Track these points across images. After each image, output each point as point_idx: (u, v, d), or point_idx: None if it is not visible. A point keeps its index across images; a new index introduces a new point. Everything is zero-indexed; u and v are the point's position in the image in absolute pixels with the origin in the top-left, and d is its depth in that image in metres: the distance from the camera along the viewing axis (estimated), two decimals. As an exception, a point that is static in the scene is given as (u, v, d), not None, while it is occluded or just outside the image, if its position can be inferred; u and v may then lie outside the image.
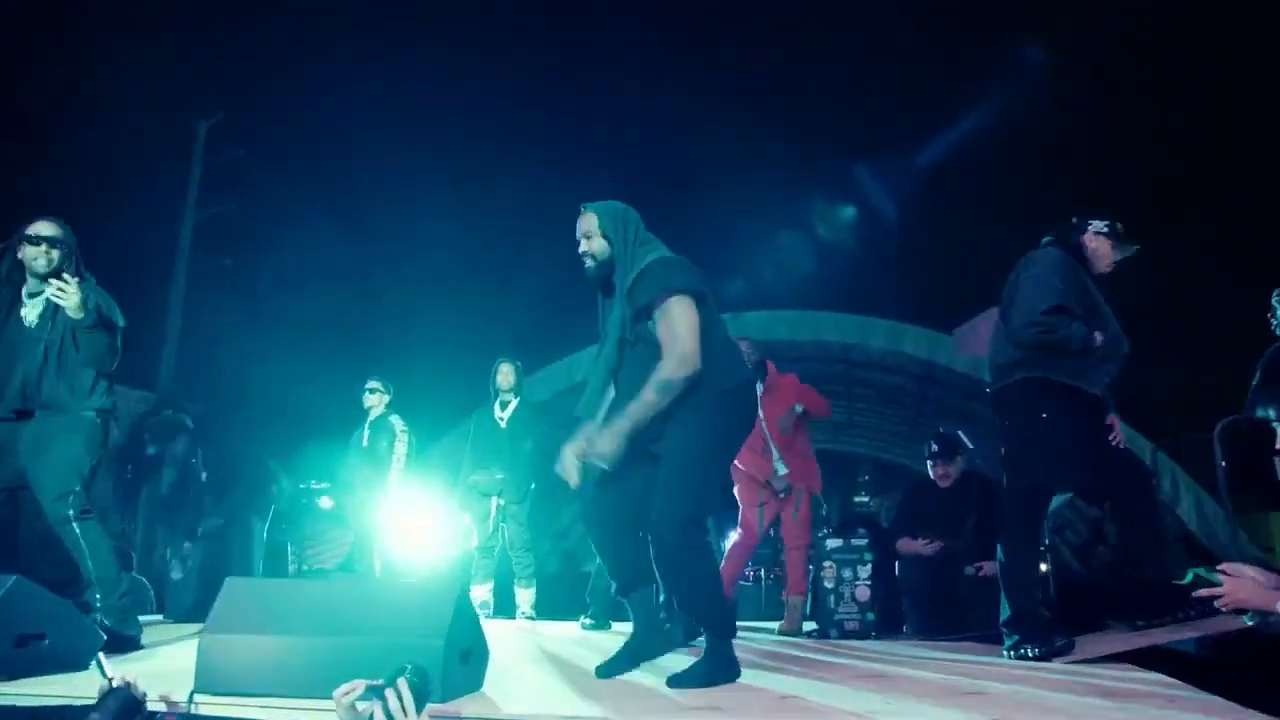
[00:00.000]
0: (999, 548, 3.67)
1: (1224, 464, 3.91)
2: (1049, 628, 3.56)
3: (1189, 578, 3.60)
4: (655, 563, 2.96)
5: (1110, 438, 3.65)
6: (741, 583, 12.00)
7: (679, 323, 2.86)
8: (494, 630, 5.62)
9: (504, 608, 6.40)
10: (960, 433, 5.30)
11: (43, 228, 3.71)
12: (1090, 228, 3.80)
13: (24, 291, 3.74)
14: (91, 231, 3.89)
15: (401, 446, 6.36)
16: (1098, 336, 3.53)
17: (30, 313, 3.71)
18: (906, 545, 5.01)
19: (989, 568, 4.76)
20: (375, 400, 6.58)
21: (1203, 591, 2.46)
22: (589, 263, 3.06)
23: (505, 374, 6.31)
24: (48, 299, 3.58)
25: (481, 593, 6.09)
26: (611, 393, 3.12)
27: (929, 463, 5.13)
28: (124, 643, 3.52)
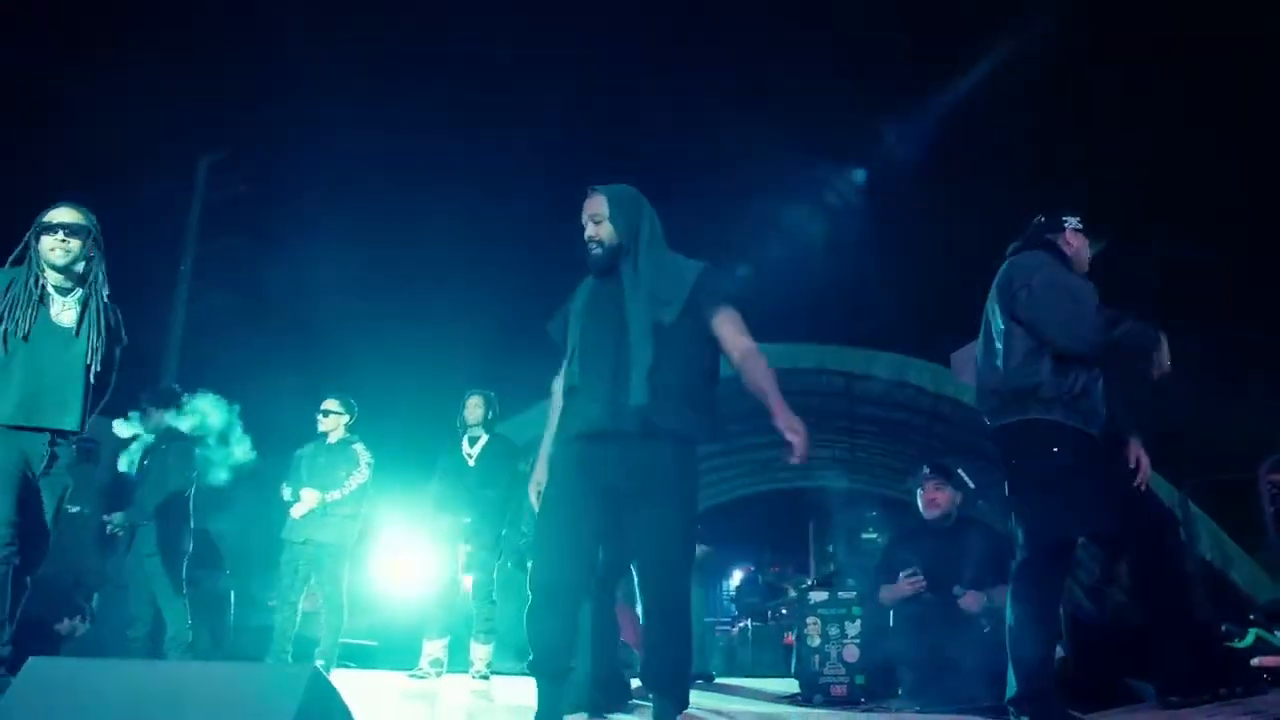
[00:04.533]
0: (1009, 612, 3.08)
1: (1272, 508, 3.36)
2: (1064, 713, 2.96)
3: (1249, 639, 3.03)
4: (662, 620, 2.70)
5: (1136, 481, 3.07)
6: (720, 629, 11.40)
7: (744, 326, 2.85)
8: (437, 688, 5.11)
9: (464, 663, 5.84)
10: (961, 470, 4.70)
11: (60, 214, 3.32)
12: (1068, 224, 3.22)
13: (50, 287, 3.33)
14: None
15: (360, 477, 5.61)
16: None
17: (65, 313, 3.32)
18: (889, 594, 4.44)
19: (971, 599, 4.20)
20: (332, 423, 5.77)
21: (1268, 660, 1.90)
22: (596, 249, 2.83)
23: (473, 407, 5.76)
24: (82, 298, 3.30)
25: (434, 649, 5.50)
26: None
27: (918, 490, 4.56)
28: None
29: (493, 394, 5.87)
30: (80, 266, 3.34)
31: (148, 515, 4.92)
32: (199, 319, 15.69)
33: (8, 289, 3.26)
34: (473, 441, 5.78)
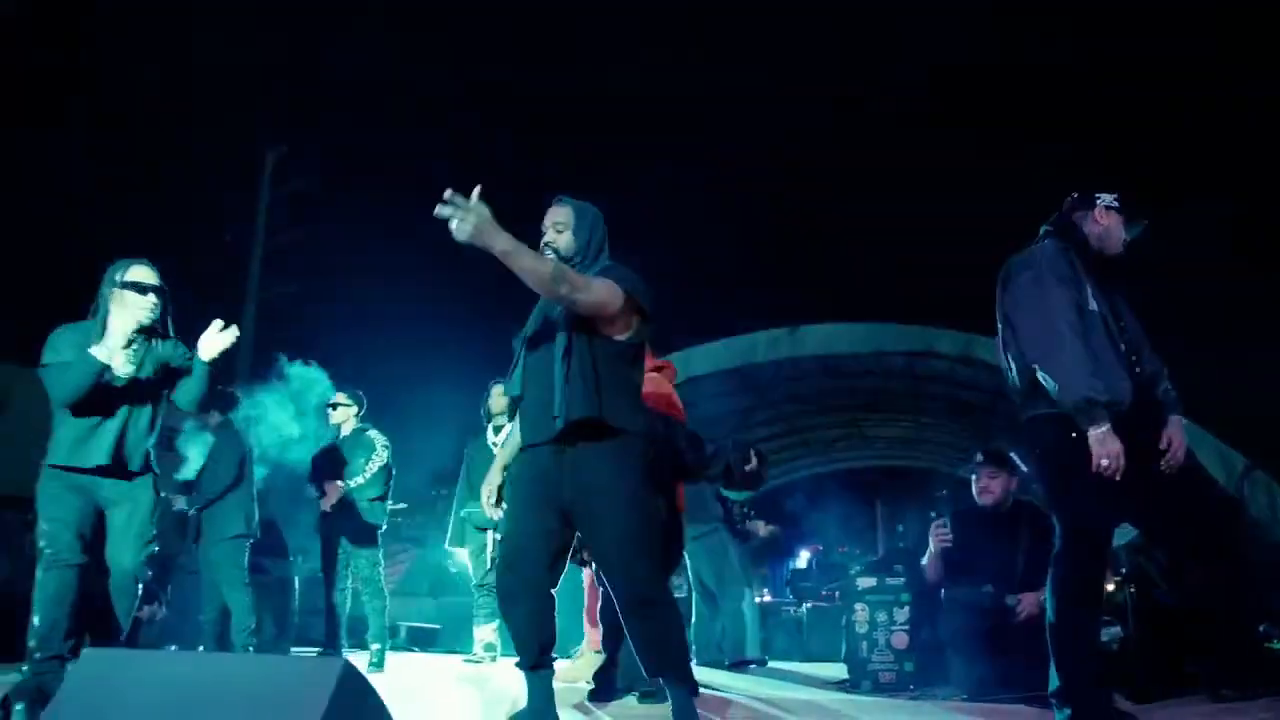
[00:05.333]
0: (1048, 605, 3.02)
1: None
2: (1108, 707, 2.90)
3: (1291, 636, 2.92)
4: (631, 613, 2.79)
5: (1165, 460, 2.91)
6: (786, 609, 11.34)
7: (604, 287, 2.76)
8: (490, 672, 5.21)
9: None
10: (1014, 454, 4.61)
11: (147, 275, 3.45)
12: (1100, 202, 3.09)
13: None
14: (164, 263, 3.61)
15: (379, 460, 5.84)
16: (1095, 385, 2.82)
17: (117, 357, 3.39)
18: (932, 569, 4.43)
19: (1027, 603, 4.13)
20: (342, 415, 6.02)
21: None
22: (549, 255, 2.89)
23: (498, 396, 5.87)
24: (142, 342, 3.43)
25: (486, 633, 5.64)
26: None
27: (973, 476, 4.51)
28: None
29: None
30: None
31: (205, 502, 5.15)
32: (265, 313, 16.09)
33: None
34: (498, 430, 5.89)
